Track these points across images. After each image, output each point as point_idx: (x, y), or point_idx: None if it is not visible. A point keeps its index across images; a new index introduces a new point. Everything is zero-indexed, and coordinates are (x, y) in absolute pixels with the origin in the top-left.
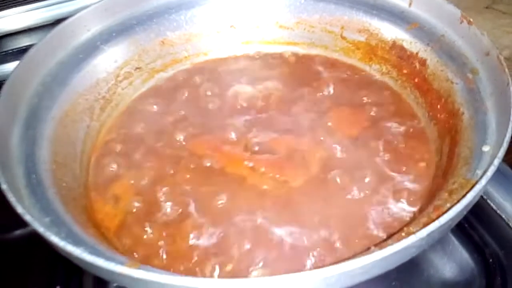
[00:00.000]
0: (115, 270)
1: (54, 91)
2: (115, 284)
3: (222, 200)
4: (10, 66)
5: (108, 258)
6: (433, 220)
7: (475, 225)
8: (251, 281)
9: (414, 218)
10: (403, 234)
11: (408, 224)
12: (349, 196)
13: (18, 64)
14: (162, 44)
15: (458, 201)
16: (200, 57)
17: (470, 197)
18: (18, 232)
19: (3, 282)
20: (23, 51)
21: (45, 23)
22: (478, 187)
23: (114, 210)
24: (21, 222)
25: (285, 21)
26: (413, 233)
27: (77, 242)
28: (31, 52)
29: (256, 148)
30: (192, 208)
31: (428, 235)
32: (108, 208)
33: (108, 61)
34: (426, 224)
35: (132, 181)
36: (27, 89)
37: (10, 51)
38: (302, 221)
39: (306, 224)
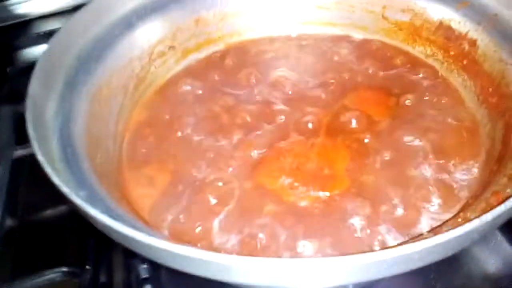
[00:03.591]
0: (156, 245)
1: (90, 66)
2: (144, 266)
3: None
4: (40, 49)
5: (148, 233)
6: (495, 205)
7: None
8: (308, 261)
9: (467, 205)
10: (459, 219)
11: (462, 210)
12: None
13: (53, 37)
14: (196, 22)
15: None
16: (234, 37)
17: None
18: (48, 211)
19: (34, 260)
20: (46, 35)
21: (69, 8)
22: None
23: (148, 191)
24: (50, 202)
25: (324, 1)
26: (472, 219)
27: (114, 217)
28: (66, 26)
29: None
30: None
31: (493, 219)
32: (142, 188)
33: (142, 38)
34: (485, 210)
35: (164, 164)
36: (63, 63)
37: (41, 34)
38: None
39: None
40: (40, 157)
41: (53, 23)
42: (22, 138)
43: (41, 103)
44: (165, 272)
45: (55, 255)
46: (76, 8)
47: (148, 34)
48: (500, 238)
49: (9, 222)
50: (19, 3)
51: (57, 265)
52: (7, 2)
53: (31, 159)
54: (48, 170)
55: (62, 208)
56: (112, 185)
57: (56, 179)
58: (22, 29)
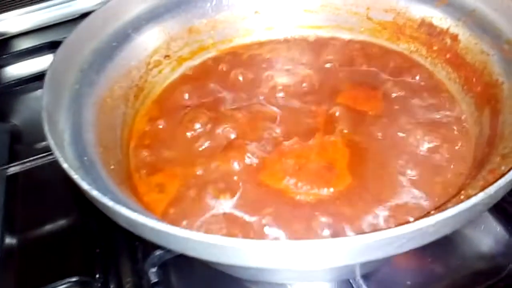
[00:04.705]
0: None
1: (92, 78)
2: (154, 270)
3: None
4: (15, 68)
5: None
6: (493, 181)
7: (508, 199)
8: (318, 242)
9: (466, 184)
10: (461, 197)
11: (463, 188)
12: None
13: (57, 52)
14: (189, 31)
15: None
16: (225, 43)
17: None
18: (47, 226)
19: (41, 274)
20: (27, 52)
21: (47, 24)
22: None
23: (159, 196)
24: (48, 217)
25: (310, 5)
26: (474, 194)
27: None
28: (68, 40)
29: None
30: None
31: (496, 192)
32: (153, 194)
33: (139, 49)
34: (484, 186)
35: (169, 171)
36: (68, 76)
37: (22, 51)
38: None
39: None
40: (65, 165)
41: (32, 40)
42: (14, 155)
43: (55, 116)
44: (175, 275)
45: (62, 267)
46: (54, 25)
47: (144, 45)
48: (490, 219)
49: (8, 239)
50: None
51: (67, 276)
52: None
53: (25, 176)
54: (75, 176)
55: (61, 222)
56: (127, 191)
57: (84, 185)
58: (2, 48)
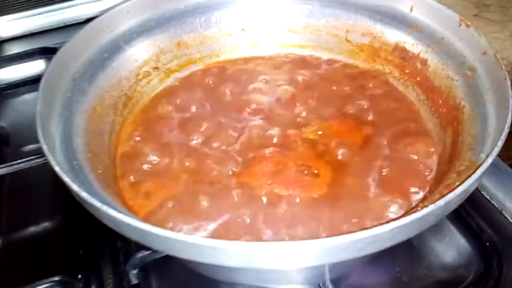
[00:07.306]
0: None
1: (84, 87)
2: (134, 272)
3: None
4: (5, 72)
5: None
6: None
7: (472, 214)
8: (282, 244)
9: (425, 197)
10: (419, 209)
11: (421, 201)
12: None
13: (52, 61)
14: (178, 45)
15: (469, 176)
16: (212, 58)
17: (479, 173)
18: (31, 228)
19: (24, 274)
20: (18, 57)
21: (39, 30)
22: (485, 165)
23: (144, 202)
24: (33, 219)
25: (293, 25)
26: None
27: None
28: (62, 49)
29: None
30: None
31: (445, 204)
32: (139, 200)
33: (130, 60)
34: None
35: (156, 178)
36: (61, 84)
37: (13, 56)
38: None
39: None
40: (57, 168)
41: (23, 45)
42: (1, 157)
43: (47, 122)
44: (155, 278)
45: (45, 267)
46: (46, 31)
47: (135, 56)
48: (455, 232)
49: None
50: None
51: (50, 275)
52: None
53: (11, 178)
54: (66, 179)
55: (45, 224)
56: (114, 195)
57: (74, 187)
58: None
